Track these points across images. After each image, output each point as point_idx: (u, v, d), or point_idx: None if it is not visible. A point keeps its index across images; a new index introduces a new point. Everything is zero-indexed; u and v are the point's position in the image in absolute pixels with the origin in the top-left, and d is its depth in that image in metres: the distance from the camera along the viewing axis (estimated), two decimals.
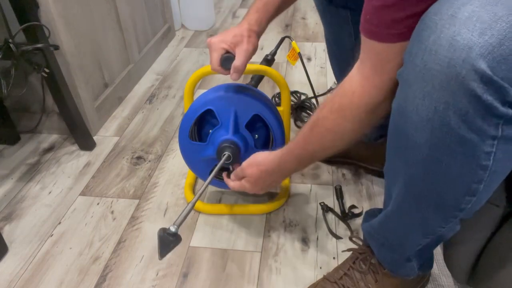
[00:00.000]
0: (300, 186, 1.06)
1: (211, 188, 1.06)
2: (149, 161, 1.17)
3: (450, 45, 0.40)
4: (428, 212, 0.55)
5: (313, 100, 1.33)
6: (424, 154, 0.48)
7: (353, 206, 0.98)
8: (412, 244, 0.65)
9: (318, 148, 0.65)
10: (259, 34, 0.81)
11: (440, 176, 0.49)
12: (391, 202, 0.61)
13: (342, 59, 0.97)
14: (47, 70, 1.03)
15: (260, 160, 0.75)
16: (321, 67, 1.61)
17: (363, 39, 0.53)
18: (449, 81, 0.41)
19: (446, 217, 0.55)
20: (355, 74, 0.57)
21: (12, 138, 1.24)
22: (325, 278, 0.78)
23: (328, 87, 1.46)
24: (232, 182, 0.81)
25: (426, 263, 0.74)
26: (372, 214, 0.77)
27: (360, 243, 0.80)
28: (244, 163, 0.78)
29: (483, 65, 0.39)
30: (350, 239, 0.83)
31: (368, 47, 0.53)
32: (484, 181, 0.47)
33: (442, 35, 0.41)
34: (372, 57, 0.53)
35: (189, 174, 1.07)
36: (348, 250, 0.80)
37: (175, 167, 1.14)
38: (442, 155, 0.46)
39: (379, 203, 1.00)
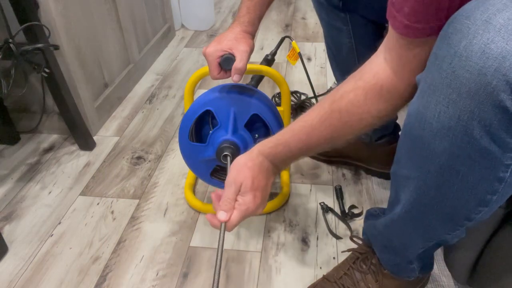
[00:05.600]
0: (300, 186, 1.06)
1: (211, 188, 1.06)
2: (149, 161, 1.17)
3: (483, 52, 0.38)
4: (437, 220, 0.54)
5: (313, 100, 1.33)
6: (441, 162, 0.46)
7: (353, 206, 0.98)
8: (415, 247, 0.64)
9: (324, 142, 0.60)
10: (253, 34, 0.81)
11: (455, 185, 0.47)
12: (399, 206, 0.59)
13: (341, 61, 0.97)
14: (47, 70, 1.03)
15: (244, 159, 0.64)
16: (321, 67, 1.61)
17: (392, 29, 0.51)
18: (477, 90, 0.39)
19: (454, 225, 0.54)
20: (381, 65, 0.54)
21: (12, 138, 1.24)
22: (325, 278, 0.78)
23: (328, 87, 1.46)
24: (231, 217, 0.62)
25: (427, 265, 0.74)
26: (374, 214, 0.77)
27: (360, 242, 0.80)
28: (229, 177, 0.63)
29: None
30: (351, 238, 0.82)
31: (395, 37, 0.51)
32: (499, 192, 0.46)
33: (475, 41, 0.39)
34: (400, 50, 0.51)
35: (189, 174, 1.07)
36: (348, 250, 0.80)
37: (175, 167, 1.14)
38: (460, 165, 0.45)
39: (379, 203, 1.00)
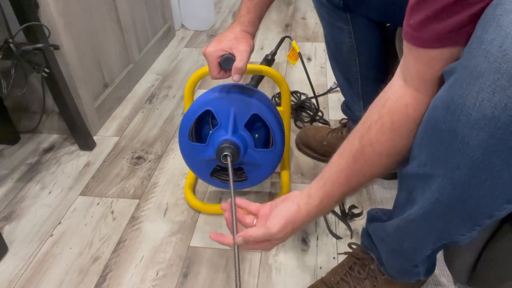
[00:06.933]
0: (300, 186, 1.06)
1: (211, 188, 1.06)
2: (149, 161, 1.17)
3: None
4: (456, 219, 0.52)
5: (313, 100, 1.33)
6: (475, 157, 0.43)
7: (353, 206, 0.98)
8: (426, 249, 0.62)
9: (364, 179, 0.58)
10: (253, 34, 0.81)
11: (486, 182, 0.44)
12: (415, 207, 0.56)
13: (341, 60, 0.97)
14: (47, 70, 1.03)
15: (292, 218, 0.62)
16: (321, 67, 1.61)
17: (407, 47, 0.50)
18: None
19: (473, 225, 0.51)
20: (402, 86, 0.52)
21: (12, 138, 1.24)
22: (323, 282, 0.77)
23: (328, 87, 1.46)
24: (245, 243, 0.62)
25: (431, 267, 0.72)
26: (376, 216, 0.75)
27: (355, 247, 0.79)
28: (273, 226, 0.61)
29: None
30: (349, 246, 0.81)
31: (414, 55, 0.49)
32: None
33: None
34: (419, 66, 0.49)
35: (189, 174, 1.07)
36: (345, 253, 0.79)
37: (175, 167, 1.14)
38: (497, 159, 0.42)
39: (379, 203, 1.00)
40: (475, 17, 0.41)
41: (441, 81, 0.47)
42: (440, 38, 0.45)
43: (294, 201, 0.63)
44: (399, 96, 0.53)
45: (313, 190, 0.62)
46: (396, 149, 0.54)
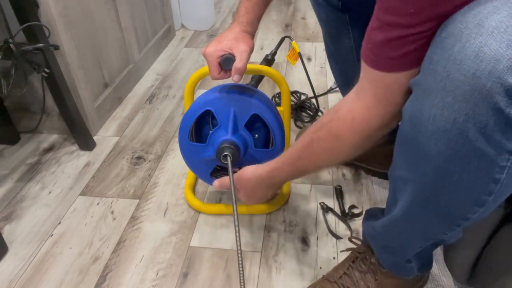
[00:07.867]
0: (300, 186, 1.06)
1: (211, 188, 1.06)
2: (149, 161, 1.17)
3: (476, 56, 0.39)
4: (434, 220, 0.55)
5: (313, 100, 1.33)
6: (436, 164, 0.47)
7: (353, 206, 0.98)
8: (413, 247, 0.65)
9: (310, 166, 0.67)
10: (252, 34, 0.81)
11: (450, 187, 0.48)
12: (397, 207, 0.60)
13: (341, 61, 0.97)
14: (47, 70, 1.03)
15: (249, 175, 0.77)
16: (321, 67, 1.61)
17: (365, 67, 0.53)
18: (472, 93, 0.40)
19: (451, 225, 0.54)
20: (355, 101, 0.57)
21: (12, 138, 1.24)
22: (325, 278, 0.78)
23: (328, 87, 1.46)
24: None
25: (425, 264, 0.74)
26: (373, 214, 0.77)
27: (359, 243, 0.80)
28: (235, 176, 0.78)
29: (510, 79, 0.38)
30: (350, 240, 0.82)
31: (370, 76, 0.52)
32: (494, 193, 0.46)
33: (468, 44, 0.40)
34: (375, 87, 0.53)
35: (189, 174, 1.07)
36: (347, 250, 0.80)
37: (175, 167, 1.14)
38: (455, 166, 0.45)
39: (379, 203, 1.00)
40: (426, 45, 0.45)
41: (393, 102, 0.51)
42: (394, 63, 0.49)
43: (253, 166, 0.77)
44: (349, 109, 0.57)
45: (268, 162, 0.74)
46: (337, 151, 0.61)
